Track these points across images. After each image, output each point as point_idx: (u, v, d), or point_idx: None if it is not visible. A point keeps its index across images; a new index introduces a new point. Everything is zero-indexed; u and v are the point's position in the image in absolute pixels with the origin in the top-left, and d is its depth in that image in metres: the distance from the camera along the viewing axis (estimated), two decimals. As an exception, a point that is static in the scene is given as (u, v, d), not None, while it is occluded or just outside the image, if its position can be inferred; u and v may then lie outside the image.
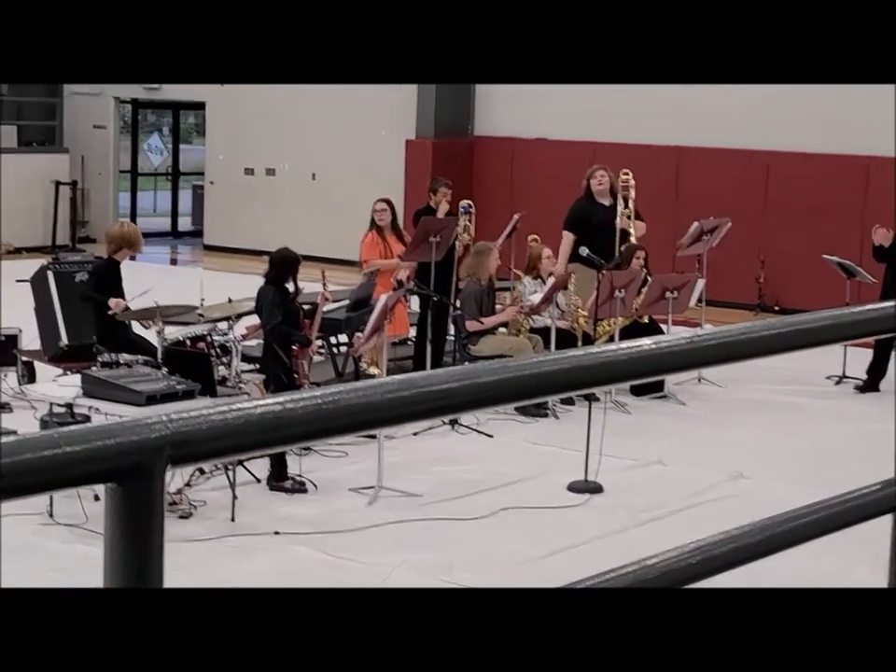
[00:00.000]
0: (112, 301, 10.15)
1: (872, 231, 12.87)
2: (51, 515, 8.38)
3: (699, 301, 13.32)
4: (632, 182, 12.99)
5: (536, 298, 12.02)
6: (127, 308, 10.26)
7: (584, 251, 12.09)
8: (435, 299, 11.67)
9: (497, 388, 1.97)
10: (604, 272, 11.54)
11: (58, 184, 22.12)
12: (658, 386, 12.16)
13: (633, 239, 12.77)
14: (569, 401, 11.73)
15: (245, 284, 12.16)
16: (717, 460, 10.20)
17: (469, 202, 13.24)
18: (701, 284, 13.15)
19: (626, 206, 12.88)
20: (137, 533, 1.61)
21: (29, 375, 11.55)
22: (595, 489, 9.39)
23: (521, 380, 2.01)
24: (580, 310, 12.37)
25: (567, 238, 12.90)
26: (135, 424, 1.59)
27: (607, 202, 12.94)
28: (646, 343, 2.20)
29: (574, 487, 9.43)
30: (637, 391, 12.11)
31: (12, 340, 12.03)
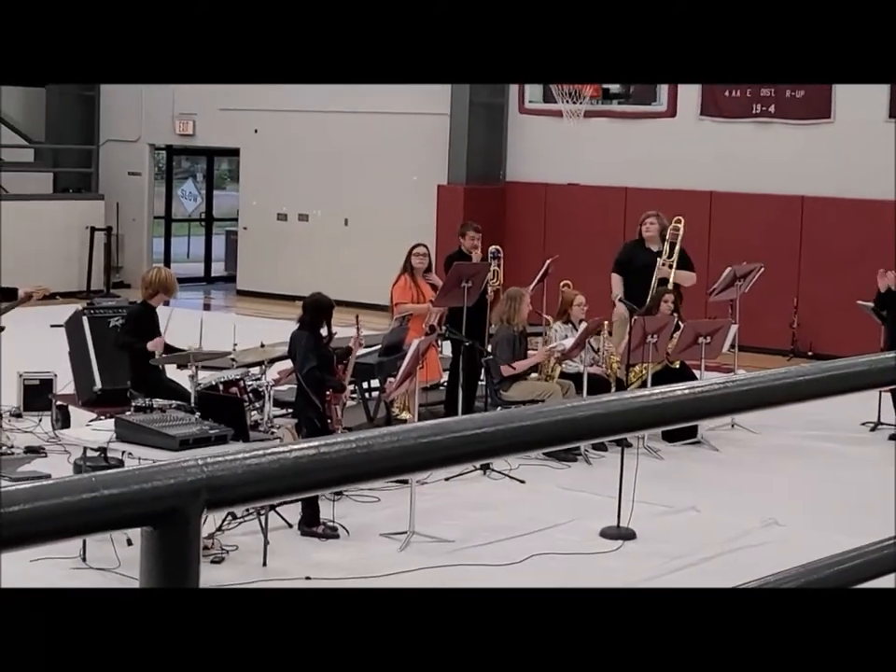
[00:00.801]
0: (150, 344, 10.18)
1: (878, 276, 12.86)
2: (84, 559, 8.40)
3: (732, 346, 13.28)
4: (681, 231, 13.03)
5: (568, 343, 12.01)
6: (166, 346, 10.30)
7: (617, 296, 12.13)
8: (467, 344, 11.68)
9: (531, 433, 1.98)
10: (636, 317, 11.55)
11: (93, 230, 22.26)
12: (691, 432, 12.13)
13: (670, 286, 12.78)
14: (602, 447, 11.71)
15: (278, 329, 12.20)
16: (751, 507, 10.15)
17: (498, 247, 13.26)
18: (734, 329, 13.12)
19: (670, 255, 12.91)
20: (173, 577, 1.62)
21: (63, 420, 11.61)
22: (628, 535, 9.36)
23: (554, 425, 2.01)
24: (613, 356, 12.37)
25: (615, 280, 13.02)
26: (171, 468, 1.60)
27: (655, 247, 13.04)
28: (679, 388, 2.20)
29: (607, 533, 9.39)
30: (670, 437, 12.07)
31: (47, 384, 12.12)
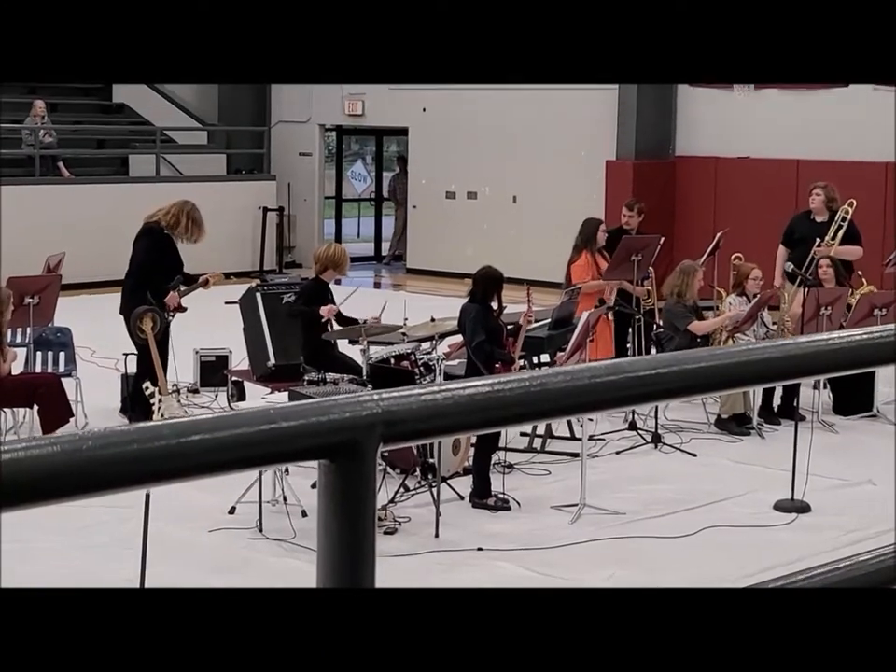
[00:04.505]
0: (324, 309, 10.26)
1: None
2: (261, 530, 8.54)
3: (909, 318, 13.00)
4: (850, 213, 12.77)
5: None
6: (339, 313, 10.40)
7: (789, 266, 11.96)
8: (637, 318, 11.59)
9: (704, 375, 1.96)
10: (809, 289, 11.38)
11: (265, 210, 22.60)
12: (866, 406, 11.91)
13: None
14: (775, 421, 11.57)
15: (447, 305, 12.26)
16: (930, 480, 9.92)
17: (650, 269, 12.79)
18: (911, 301, 12.83)
19: (833, 237, 12.65)
20: (350, 510, 1.64)
21: (238, 394, 11.82)
22: (803, 508, 9.22)
23: (728, 368, 1.99)
24: (787, 324, 12.18)
25: (779, 251, 12.90)
26: (347, 401, 1.62)
27: (821, 218, 12.84)
28: (856, 332, 2.16)
29: (781, 506, 9.27)
30: (845, 410, 11.88)
31: (222, 360, 12.37)
